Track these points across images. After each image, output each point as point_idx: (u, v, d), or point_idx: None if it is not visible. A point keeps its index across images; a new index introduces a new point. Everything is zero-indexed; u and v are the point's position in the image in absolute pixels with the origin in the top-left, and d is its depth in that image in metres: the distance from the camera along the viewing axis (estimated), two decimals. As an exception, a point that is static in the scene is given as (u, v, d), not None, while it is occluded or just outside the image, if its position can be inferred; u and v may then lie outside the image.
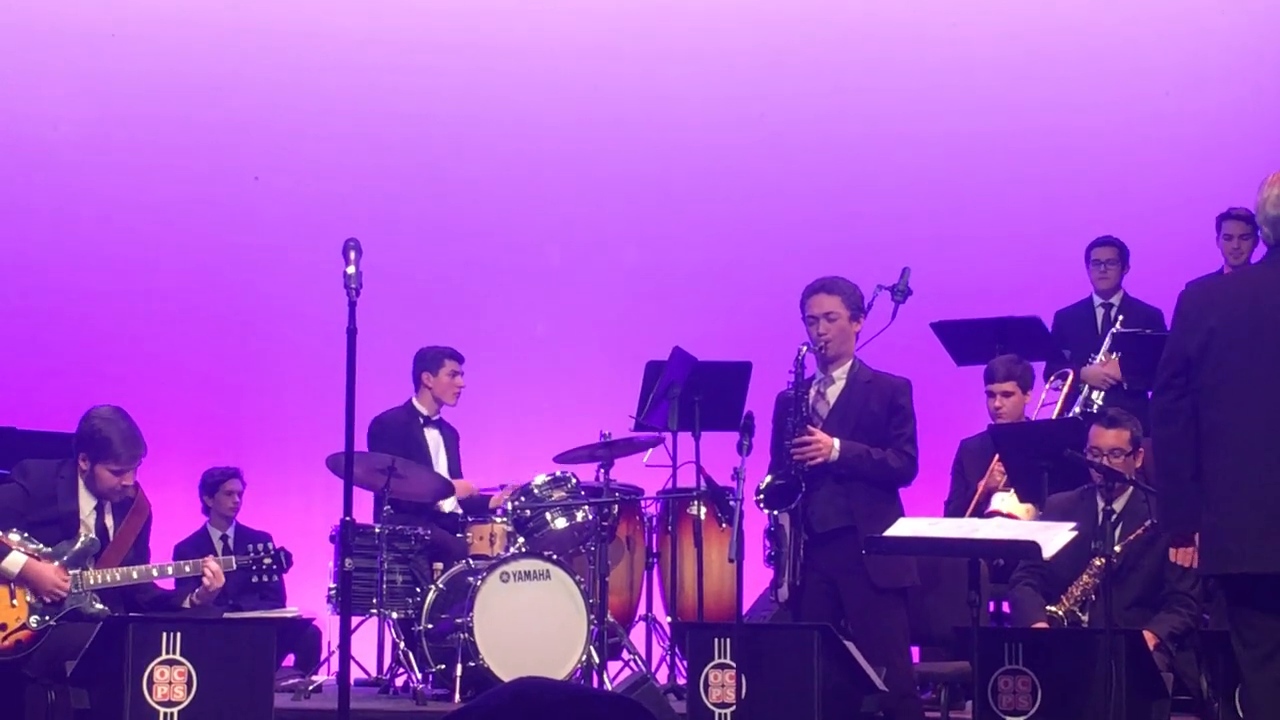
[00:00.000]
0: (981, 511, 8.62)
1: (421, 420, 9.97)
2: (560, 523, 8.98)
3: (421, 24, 12.17)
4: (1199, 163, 11.74)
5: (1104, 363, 9.70)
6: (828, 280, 7.41)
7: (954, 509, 8.89)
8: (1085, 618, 7.33)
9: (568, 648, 8.48)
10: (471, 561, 8.93)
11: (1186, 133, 11.94)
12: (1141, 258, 10.30)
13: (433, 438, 10.00)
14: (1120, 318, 9.94)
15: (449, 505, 9.81)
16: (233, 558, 7.85)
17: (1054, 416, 9.42)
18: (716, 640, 7.01)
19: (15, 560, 7.13)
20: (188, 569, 7.57)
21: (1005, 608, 8.58)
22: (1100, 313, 10.14)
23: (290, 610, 9.07)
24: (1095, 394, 9.61)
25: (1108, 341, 9.74)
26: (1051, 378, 9.56)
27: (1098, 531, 6.97)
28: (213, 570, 7.44)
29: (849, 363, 7.42)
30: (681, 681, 8.43)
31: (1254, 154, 11.56)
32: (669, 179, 12.17)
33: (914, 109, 12.07)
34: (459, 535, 9.40)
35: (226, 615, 8.09)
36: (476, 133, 12.18)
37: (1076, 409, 9.59)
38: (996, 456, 8.69)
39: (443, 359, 9.99)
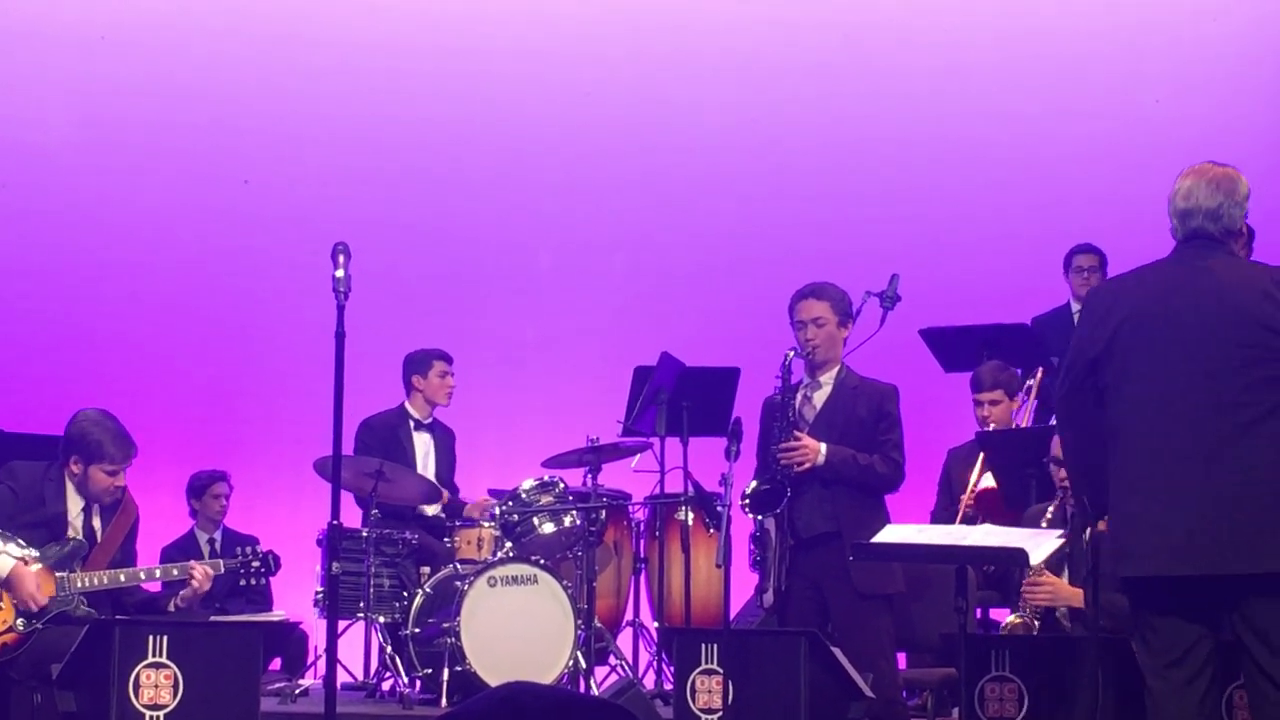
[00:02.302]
0: (970, 513, 8.64)
1: (412, 424, 9.98)
2: (548, 528, 8.97)
3: (412, 28, 12.16)
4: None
5: None
6: (816, 286, 7.45)
7: (941, 518, 8.89)
8: (1067, 624, 7.32)
9: (555, 653, 8.47)
10: (459, 566, 8.93)
11: (1176, 141, 11.92)
12: (1131, 265, 10.27)
13: (423, 441, 10.00)
14: None
15: (433, 509, 9.81)
16: (220, 561, 7.85)
17: (1029, 414, 9.37)
18: (704, 646, 7.01)
19: (3, 564, 7.12)
20: (175, 572, 7.57)
21: (992, 614, 8.60)
22: (1079, 319, 10.10)
23: (277, 614, 9.06)
24: None
25: None
26: (1026, 382, 9.52)
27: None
28: (200, 575, 7.43)
29: (836, 368, 7.45)
30: (668, 687, 8.43)
31: (1243, 162, 11.54)
32: (659, 184, 12.17)
33: (904, 115, 12.07)
34: (446, 540, 9.40)
35: (213, 619, 8.08)
36: (466, 137, 12.17)
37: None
38: (971, 491, 8.72)
39: (431, 360, 10.01)
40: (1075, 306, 10.14)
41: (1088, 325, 5.82)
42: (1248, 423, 5.44)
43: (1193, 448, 5.47)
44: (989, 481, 8.66)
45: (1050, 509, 7.27)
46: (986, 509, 8.62)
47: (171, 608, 7.47)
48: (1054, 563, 7.20)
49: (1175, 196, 5.77)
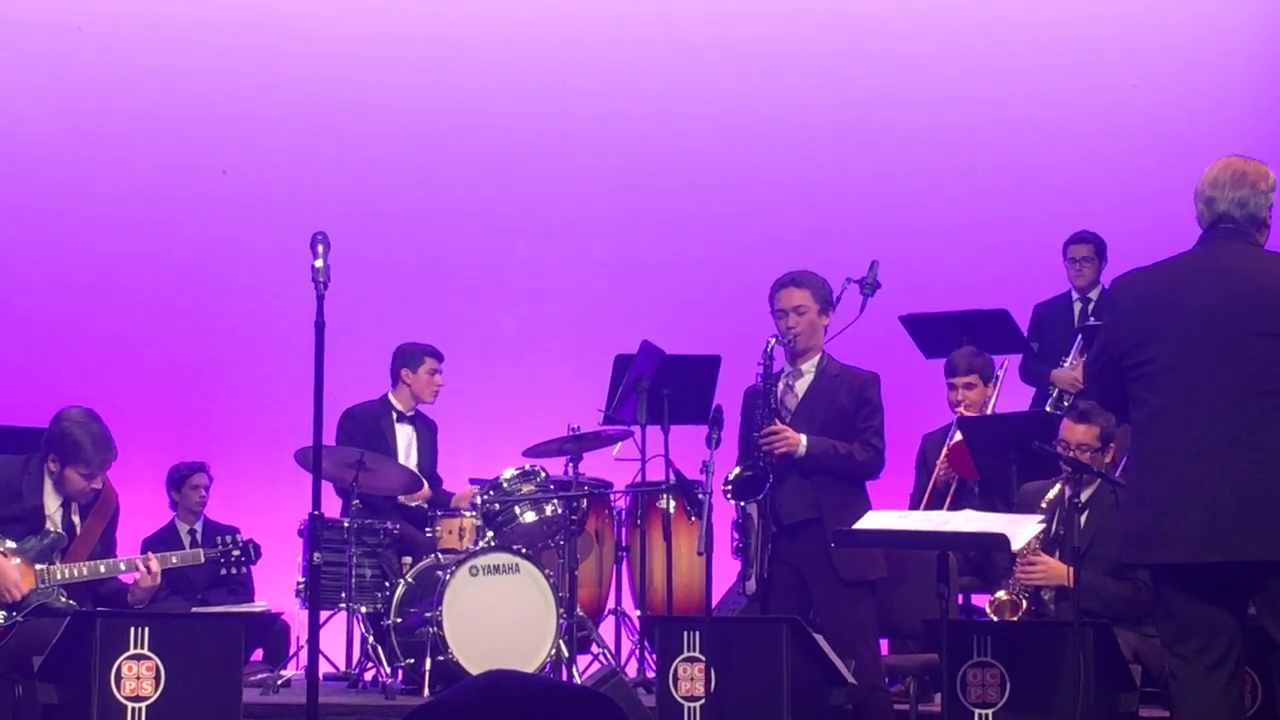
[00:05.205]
0: (938, 498, 8.66)
1: (395, 415, 9.94)
2: (529, 516, 8.97)
3: (389, 16, 12.15)
4: (1166, 155, 11.76)
5: (1073, 366, 9.64)
6: (797, 274, 7.45)
7: (919, 502, 8.91)
8: (1052, 607, 7.33)
9: (537, 642, 8.47)
10: (440, 555, 8.92)
11: (1153, 125, 11.96)
12: (1110, 250, 10.30)
13: (405, 433, 9.97)
14: (1093, 318, 9.92)
15: (416, 501, 9.79)
16: (200, 551, 7.82)
17: (995, 399, 9.39)
18: (686, 633, 7.01)
19: (-19, 556, 7.11)
20: (152, 564, 7.53)
21: (974, 600, 8.61)
22: (1078, 307, 10.11)
23: (259, 605, 9.03)
24: (1065, 398, 9.57)
25: (1078, 343, 9.69)
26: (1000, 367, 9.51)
27: (1063, 519, 7.00)
28: (147, 570, 7.38)
29: (818, 356, 7.45)
30: (651, 675, 8.43)
31: (1220, 146, 11.57)
32: (638, 172, 12.16)
33: (882, 102, 12.07)
34: (427, 529, 9.38)
35: (195, 610, 8.06)
36: (444, 126, 12.16)
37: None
38: (945, 449, 8.72)
39: (423, 357, 9.95)
40: (1074, 295, 10.13)
41: (1113, 316, 5.83)
42: (1271, 409, 5.45)
43: (1217, 435, 5.47)
44: (957, 435, 8.67)
45: (1052, 491, 7.23)
46: (960, 464, 8.63)
47: (131, 599, 7.44)
48: (1047, 543, 7.22)
49: (1202, 184, 5.74)
